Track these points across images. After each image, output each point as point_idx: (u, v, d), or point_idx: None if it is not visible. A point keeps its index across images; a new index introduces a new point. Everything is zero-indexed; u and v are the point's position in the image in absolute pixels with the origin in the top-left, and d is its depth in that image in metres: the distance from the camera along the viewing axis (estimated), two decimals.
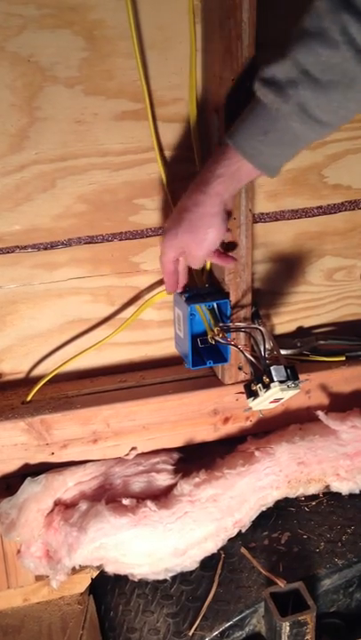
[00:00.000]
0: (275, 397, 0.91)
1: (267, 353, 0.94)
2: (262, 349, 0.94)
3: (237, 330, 0.98)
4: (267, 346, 0.93)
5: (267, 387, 0.90)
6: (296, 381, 0.89)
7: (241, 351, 0.97)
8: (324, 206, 1.09)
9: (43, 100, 0.91)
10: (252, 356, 0.96)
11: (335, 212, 1.10)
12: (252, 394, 0.93)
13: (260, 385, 0.91)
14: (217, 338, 0.98)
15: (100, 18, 0.89)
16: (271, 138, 0.79)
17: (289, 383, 0.89)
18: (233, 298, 1.00)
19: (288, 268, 1.11)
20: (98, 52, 0.91)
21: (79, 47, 0.90)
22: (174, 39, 0.92)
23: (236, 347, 0.98)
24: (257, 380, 0.92)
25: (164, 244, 0.91)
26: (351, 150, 1.06)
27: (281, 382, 0.88)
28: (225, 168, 0.82)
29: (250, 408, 0.96)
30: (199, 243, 0.87)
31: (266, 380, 0.90)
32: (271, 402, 0.92)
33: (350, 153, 1.06)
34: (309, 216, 1.09)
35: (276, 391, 0.89)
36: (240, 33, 0.86)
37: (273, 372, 0.89)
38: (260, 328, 0.96)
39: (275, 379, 0.88)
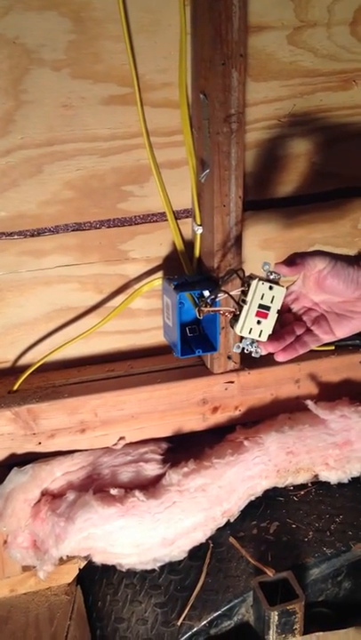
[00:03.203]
0: (260, 303, 0.83)
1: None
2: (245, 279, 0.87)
3: (227, 275, 0.93)
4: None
5: (247, 292, 0.83)
6: (276, 274, 0.83)
7: (230, 296, 0.89)
8: (314, 194, 1.08)
9: (29, 82, 0.89)
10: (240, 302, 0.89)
11: (325, 200, 1.09)
12: (237, 318, 0.85)
13: (242, 298, 0.85)
14: (205, 309, 0.93)
15: (88, 0, 0.87)
16: None
17: (268, 274, 0.83)
18: (223, 286, 0.99)
19: (278, 257, 1.10)
20: (85, 35, 0.89)
21: (66, 29, 0.88)
22: (163, 22, 0.91)
23: (227, 293, 0.89)
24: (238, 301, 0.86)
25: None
26: (341, 137, 1.06)
27: (260, 279, 0.83)
28: None
29: (241, 342, 0.87)
30: None
31: (247, 288, 0.84)
32: (258, 314, 0.84)
33: (341, 140, 1.06)
34: (299, 204, 1.08)
35: (256, 286, 0.82)
36: (230, 15, 0.85)
37: (252, 275, 0.84)
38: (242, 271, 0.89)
39: (254, 277, 0.83)
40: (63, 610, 1.04)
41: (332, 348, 1.10)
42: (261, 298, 0.84)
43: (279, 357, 0.87)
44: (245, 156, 0.99)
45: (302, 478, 1.08)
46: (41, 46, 0.88)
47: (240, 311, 0.85)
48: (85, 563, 1.07)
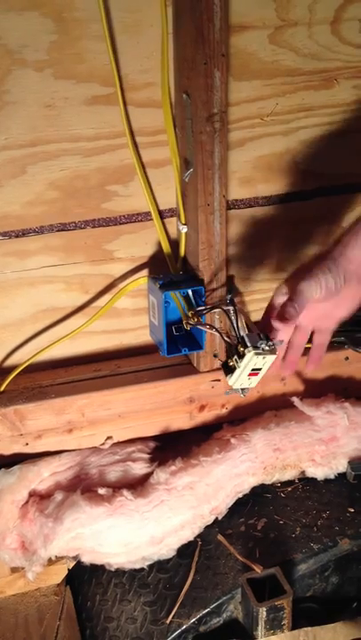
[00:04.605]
0: (253, 367, 0.88)
1: (240, 330, 0.92)
2: (236, 327, 0.92)
3: (210, 309, 0.97)
4: (240, 324, 0.92)
5: (242, 356, 0.88)
6: (270, 343, 0.87)
7: (217, 330, 0.95)
8: (297, 192, 1.09)
9: (11, 83, 0.89)
10: (227, 336, 0.95)
11: (308, 199, 1.10)
12: (230, 370, 0.90)
13: (235, 357, 0.89)
14: (191, 322, 0.97)
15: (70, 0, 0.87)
16: None
17: (263, 346, 0.87)
18: (207, 284, 0.99)
19: (263, 255, 1.11)
20: (67, 35, 0.89)
21: (48, 30, 0.88)
22: (145, 22, 0.91)
23: (212, 327, 0.96)
24: (232, 353, 0.90)
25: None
26: (324, 136, 1.06)
27: (255, 347, 0.87)
28: None
29: (231, 389, 0.93)
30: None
31: (241, 349, 0.88)
32: (250, 374, 0.89)
33: (324, 139, 1.06)
34: (283, 202, 1.08)
35: (251, 357, 0.86)
36: (211, 16, 0.85)
37: (246, 339, 0.88)
38: (232, 307, 0.94)
39: (248, 344, 0.87)
40: (52, 610, 1.04)
41: None
42: (255, 363, 0.88)
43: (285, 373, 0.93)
44: (229, 155, 0.99)
45: (289, 475, 1.08)
46: (23, 47, 0.88)
47: (234, 369, 0.89)
48: (74, 563, 1.07)
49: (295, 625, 0.93)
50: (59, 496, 0.98)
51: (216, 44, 0.87)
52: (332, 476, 1.08)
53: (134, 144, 0.97)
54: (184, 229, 1.01)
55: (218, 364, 1.05)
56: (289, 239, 1.12)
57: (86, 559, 1.00)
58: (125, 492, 0.98)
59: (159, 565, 1.01)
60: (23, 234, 0.98)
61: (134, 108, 0.95)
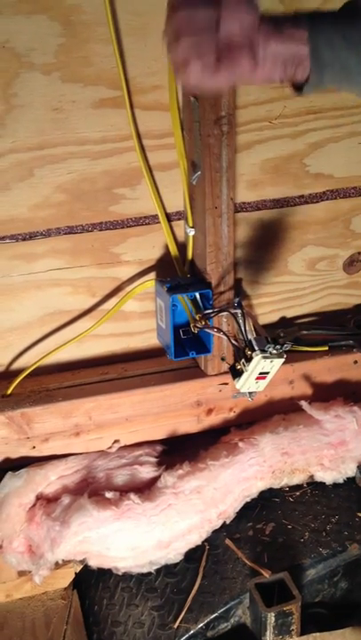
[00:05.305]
0: (260, 371, 0.89)
1: (248, 333, 0.92)
2: (243, 330, 0.92)
3: (218, 312, 0.97)
4: (248, 327, 0.92)
5: (250, 359, 0.88)
6: (277, 346, 0.88)
7: (224, 333, 0.95)
8: (305, 195, 1.08)
9: (19, 86, 0.89)
10: (235, 340, 0.95)
11: (317, 202, 1.09)
12: (238, 373, 0.91)
13: (243, 360, 0.89)
14: (199, 325, 0.97)
15: (77, 3, 0.88)
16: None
17: (270, 350, 0.87)
18: (215, 288, 0.99)
19: (270, 258, 1.11)
20: (75, 39, 0.89)
21: (56, 33, 0.88)
22: (152, 25, 0.91)
23: (220, 330, 0.97)
24: (240, 356, 0.91)
25: None
26: (333, 139, 1.06)
27: (263, 351, 0.87)
28: None
29: (238, 393, 0.94)
30: None
31: (248, 352, 0.88)
32: (258, 378, 0.90)
33: (332, 141, 1.06)
34: (291, 205, 1.08)
35: (258, 360, 0.87)
36: None
37: (254, 343, 0.88)
38: (240, 310, 0.94)
39: (256, 348, 0.87)
40: (59, 614, 1.03)
41: (326, 348, 1.11)
42: (262, 367, 0.89)
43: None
44: (237, 158, 0.99)
45: (298, 479, 1.08)
46: (31, 50, 0.88)
47: (242, 372, 0.90)
48: (81, 567, 1.07)
49: (304, 630, 0.92)
50: (66, 499, 0.98)
51: None
52: (340, 481, 1.08)
53: (141, 147, 0.97)
54: (192, 232, 1.00)
55: (225, 367, 1.05)
56: (297, 242, 1.11)
57: (93, 563, 1.00)
58: (133, 496, 0.97)
59: (166, 570, 1.00)
60: (30, 237, 0.98)
61: (141, 111, 0.95)
